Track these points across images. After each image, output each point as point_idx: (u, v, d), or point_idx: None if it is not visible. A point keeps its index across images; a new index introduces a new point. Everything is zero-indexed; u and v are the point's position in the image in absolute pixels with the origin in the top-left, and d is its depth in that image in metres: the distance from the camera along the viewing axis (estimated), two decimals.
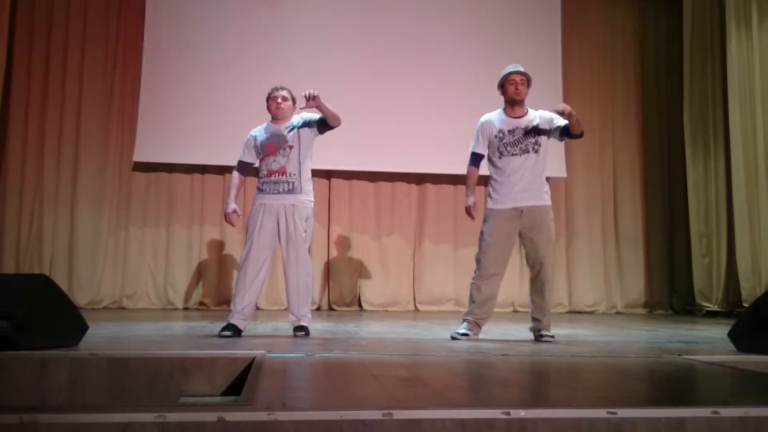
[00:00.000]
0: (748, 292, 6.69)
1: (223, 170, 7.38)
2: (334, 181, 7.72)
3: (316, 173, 7.58)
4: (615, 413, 1.74)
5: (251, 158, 4.33)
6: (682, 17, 8.04)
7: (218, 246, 7.42)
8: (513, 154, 4.13)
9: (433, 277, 7.74)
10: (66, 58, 7.36)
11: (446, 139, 7.37)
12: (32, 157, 7.21)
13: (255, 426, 1.65)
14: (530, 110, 4.24)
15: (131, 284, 7.25)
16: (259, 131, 4.32)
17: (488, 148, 4.22)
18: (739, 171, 6.93)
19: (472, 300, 4.14)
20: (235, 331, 3.98)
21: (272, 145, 4.20)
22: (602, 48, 8.42)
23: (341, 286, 7.58)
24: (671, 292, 8.27)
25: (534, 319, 4.16)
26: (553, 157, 7.82)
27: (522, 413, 1.72)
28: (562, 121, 4.15)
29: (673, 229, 8.33)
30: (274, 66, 7.24)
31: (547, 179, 7.69)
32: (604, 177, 8.28)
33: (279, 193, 4.14)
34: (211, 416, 1.66)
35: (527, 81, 4.20)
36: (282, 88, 4.32)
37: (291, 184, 4.16)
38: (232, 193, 4.28)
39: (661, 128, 8.47)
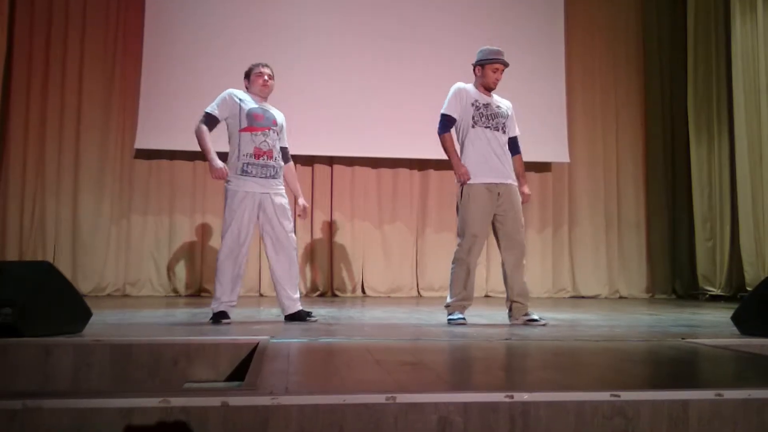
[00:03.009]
0: (752, 275, 6.68)
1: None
2: (336, 168, 7.71)
3: (318, 159, 7.69)
4: (618, 396, 1.74)
5: (223, 115, 4.03)
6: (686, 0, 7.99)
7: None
8: (486, 127, 4.15)
9: (436, 262, 7.73)
10: (66, 44, 7.33)
11: None
12: (34, 144, 7.21)
13: (258, 410, 1.66)
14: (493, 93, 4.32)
15: (134, 271, 7.27)
16: (244, 96, 4.09)
17: (462, 115, 4.16)
18: (743, 154, 6.91)
19: (460, 284, 4.09)
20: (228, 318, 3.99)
21: (261, 118, 4.04)
22: (605, 32, 8.36)
23: (344, 273, 7.59)
24: (674, 277, 8.27)
25: (515, 303, 4.10)
26: (555, 142, 7.87)
27: (525, 396, 1.72)
28: (513, 133, 4.29)
29: (676, 213, 8.32)
30: (275, 51, 7.20)
31: (549, 164, 7.86)
32: (607, 161, 8.25)
33: (266, 177, 4.02)
34: (214, 401, 1.66)
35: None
36: (267, 65, 4.19)
37: (275, 169, 4.07)
38: (212, 148, 3.98)
39: (664, 111, 8.43)
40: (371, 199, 7.78)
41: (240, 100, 4.06)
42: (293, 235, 4.13)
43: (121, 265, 7.27)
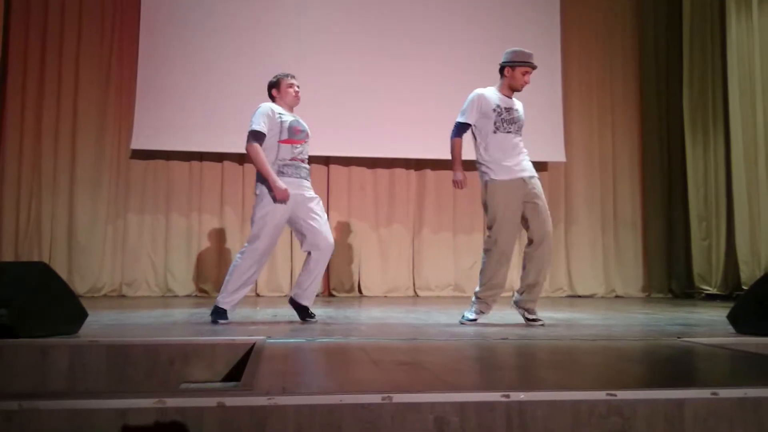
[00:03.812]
0: (748, 274, 6.69)
1: (221, 157, 7.37)
2: (333, 168, 7.70)
3: (314, 159, 7.65)
4: (614, 395, 1.74)
5: (267, 129, 4.02)
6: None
7: (217, 233, 7.42)
8: (508, 132, 4.14)
9: (433, 262, 7.73)
10: (62, 45, 7.31)
11: (445, 125, 7.22)
12: (30, 145, 7.18)
13: (255, 411, 1.65)
14: None
15: (131, 272, 7.25)
16: (279, 110, 4.11)
17: (482, 122, 4.15)
18: (739, 153, 6.92)
19: (490, 271, 4.06)
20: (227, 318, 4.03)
21: (299, 132, 4.10)
22: (601, 31, 8.37)
23: (341, 272, 7.58)
24: (670, 276, 8.27)
25: (523, 296, 4.10)
26: (551, 141, 7.87)
27: (522, 396, 1.72)
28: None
29: (672, 212, 8.32)
30: (271, 51, 7.21)
31: (545, 164, 7.87)
32: (603, 160, 8.26)
33: (299, 177, 4.08)
34: (210, 401, 1.66)
35: None
36: (294, 76, 4.24)
37: (306, 171, 4.16)
38: (271, 169, 3.97)
39: (660, 111, 8.44)
40: (368, 199, 7.77)
41: (279, 114, 4.08)
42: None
43: (118, 266, 7.25)
